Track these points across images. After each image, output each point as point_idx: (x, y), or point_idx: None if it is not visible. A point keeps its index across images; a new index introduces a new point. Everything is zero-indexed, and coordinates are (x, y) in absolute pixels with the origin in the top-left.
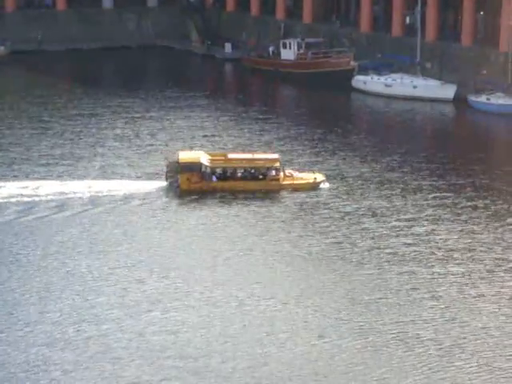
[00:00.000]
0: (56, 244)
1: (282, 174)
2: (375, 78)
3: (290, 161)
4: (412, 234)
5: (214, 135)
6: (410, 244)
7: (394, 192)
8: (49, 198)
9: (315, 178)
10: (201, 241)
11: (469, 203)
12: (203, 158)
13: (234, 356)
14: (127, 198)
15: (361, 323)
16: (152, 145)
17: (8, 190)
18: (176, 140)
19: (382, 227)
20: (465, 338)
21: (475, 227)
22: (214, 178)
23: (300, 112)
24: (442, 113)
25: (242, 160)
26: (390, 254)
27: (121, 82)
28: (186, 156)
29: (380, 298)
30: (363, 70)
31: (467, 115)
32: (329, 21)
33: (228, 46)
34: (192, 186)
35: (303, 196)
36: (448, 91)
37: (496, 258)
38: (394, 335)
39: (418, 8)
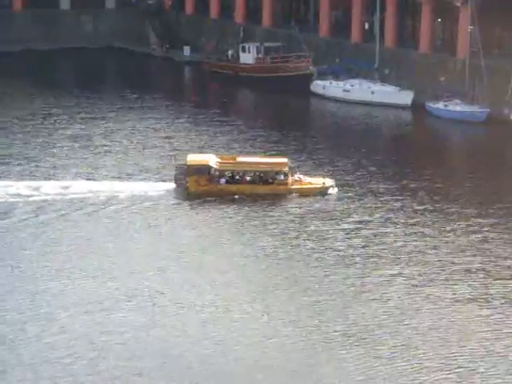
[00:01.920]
0: (59, 242)
1: (290, 178)
2: (334, 83)
3: None
4: (363, 236)
5: (169, 137)
6: (360, 246)
7: (346, 195)
8: (51, 197)
9: (324, 183)
10: (196, 243)
11: (421, 207)
12: (212, 160)
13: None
14: (137, 200)
15: (308, 324)
16: (106, 145)
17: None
18: (130, 141)
19: (333, 229)
20: (409, 338)
21: (426, 230)
22: (223, 181)
23: (258, 115)
24: (399, 118)
25: (250, 163)
26: (339, 256)
27: (77, 83)
28: (194, 158)
29: (327, 300)
30: (322, 75)
31: (424, 121)
32: (288, 25)
33: (187, 49)
34: (200, 188)
35: (308, 201)
36: (406, 97)
37: (444, 261)
38: (338, 336)
39: (377, 14)
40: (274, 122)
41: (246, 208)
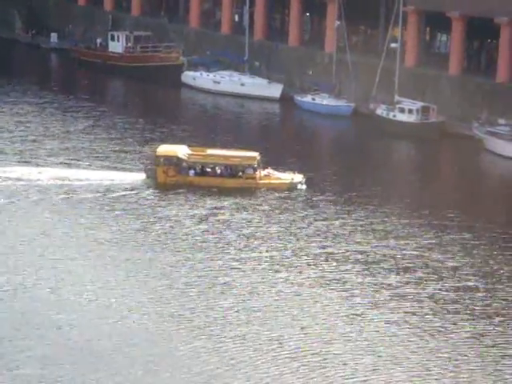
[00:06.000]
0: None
1: (259, 172)
2: (204, 74)
3: (103, 148)
4: (216, 221)
5: (22, 121)
6: (212, 231)
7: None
8: (18, 184)
9: (292, 179)
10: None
11: (279, 194)
12: (181, 152)
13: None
14: (107, 189)
15: (153, 308)
16: None
17: None
18: None
19: (185, 216)
20: (248, 321)
21: (281, 217)
22: (192, 173)
23: (126, 103)
24: (267, 111)
25: (219, 156)
26: (190, 241)
27: None
28: (163, 149)
29: (173, 284)
30: (193, 66)
31: (292, 114)
32: (157, 15)
33: (54, 36)
34: (168, 179)
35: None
36: (274, 90)
37: (298, 247)
38: (180, 321)
39: (247, 7)
40: (141, 110)
41: (200, 201)
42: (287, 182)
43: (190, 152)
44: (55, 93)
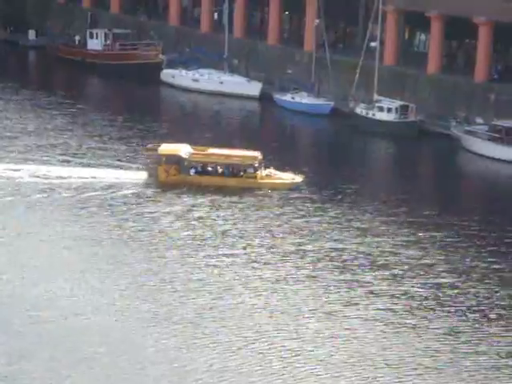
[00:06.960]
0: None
1: (260, 172)
2: (183, 72)
3: (79, 145)
4: (192, 218)
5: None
6: (189, 228)
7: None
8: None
9: (293, 179)
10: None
11: (259, 191)
12: (183, 151)
13: None
14: (108, 188)
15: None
16: None
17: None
18: None
19: (163, 211)
20: (223, 316)
21: (251, 213)
22: (193, 172)
23: (104, 101)
24: (247, 109)
25: (220, 156)
26: (169, 238)
27: None
28: (165, 148)
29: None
30: (172, 64)
31: (271, 112)
32: (136, 13)
33: (32, 33)
34: (169, 178)
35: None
36: (254, 88)
37: (272, 244)
38: (145, 315)
39: (226, 5)
40: (120, 108)
41: (196, 200)
42: (288, 182)
43: (192, 151)
44: (33, 90)
